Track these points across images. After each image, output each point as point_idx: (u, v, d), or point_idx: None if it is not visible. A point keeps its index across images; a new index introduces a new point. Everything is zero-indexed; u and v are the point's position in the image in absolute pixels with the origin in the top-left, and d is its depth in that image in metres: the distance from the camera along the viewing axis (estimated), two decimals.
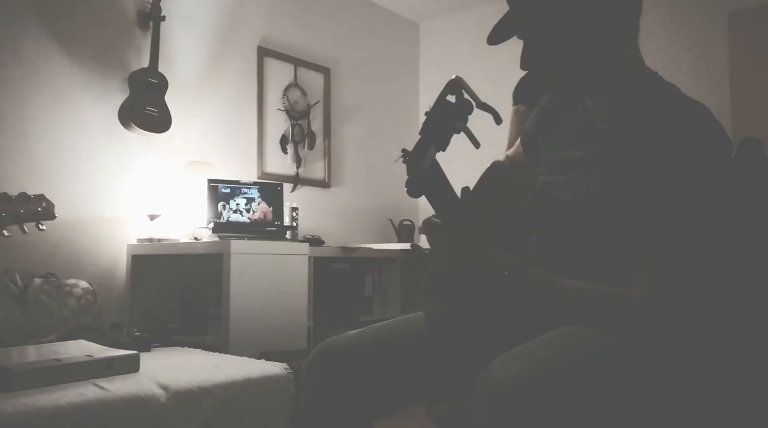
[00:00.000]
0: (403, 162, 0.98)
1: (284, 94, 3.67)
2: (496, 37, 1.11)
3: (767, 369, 1.05)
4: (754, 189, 1.11)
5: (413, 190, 0.98)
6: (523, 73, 1.24)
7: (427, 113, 0.97)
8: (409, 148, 0.97)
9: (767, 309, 1.06)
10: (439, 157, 0.98)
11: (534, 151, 1.27)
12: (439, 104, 0.97)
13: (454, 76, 0.98)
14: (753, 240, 1.08)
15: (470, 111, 0.97)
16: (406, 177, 0.96)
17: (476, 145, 0.98)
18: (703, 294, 1.00)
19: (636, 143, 1.02)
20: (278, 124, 3.65)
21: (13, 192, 1.54)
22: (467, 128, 0.97)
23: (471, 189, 1.06)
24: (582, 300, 1.02)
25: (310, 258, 2.89)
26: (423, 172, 0.96)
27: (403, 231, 4.11)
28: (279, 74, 3.67)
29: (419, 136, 0.97)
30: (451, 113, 0.96)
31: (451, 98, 0.97)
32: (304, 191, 3.75)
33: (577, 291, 1.01)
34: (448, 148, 0.99)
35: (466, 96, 0.97)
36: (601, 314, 1.00)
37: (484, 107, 0.98)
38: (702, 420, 1.02)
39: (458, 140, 1.00)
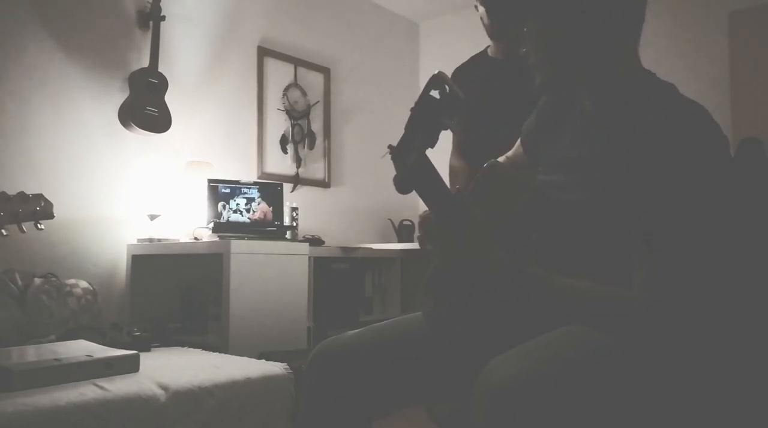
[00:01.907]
0: (391, 158, 0.98)
1: (284, 94, 3.67)
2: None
3: (767, 369, 1.05)
4: (754, 189, 1.11)
5: (400, 186, 0.98)
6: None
7: (412, 109, 0.97)
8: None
9: (767, 309, 1.06)
10: (431, 153, 0.98)
11: (534, 150, 1.27)
12: (422, 100, 0.97)
13: (437, 71, 0.98)
14: (753, 239, 1.08)
15: (456, 106, 0.96)
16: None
17: None
18: (703, 293, 1.00)
19: (634, 143, 1.02)
20: (278, 124, 3.65)
21: (12, 191, 1.54)
22: (454, 125, 0.97)
23: (464, 190, 1.06)
24: (582, 299, 1.01)
25: (310, 258, 2.89)
26: (409, 167, 0.96)
27: (403, 231, 4.11)
28: (279, 74, 3.67)
29: (404, 132, 0.98)
30: (436, 109, 0.96)
31: (435, 94, 0.97)
32: (304, 191, 3.75)
33: (577, 290, 1.01)
34: (441, 145, 0.98)
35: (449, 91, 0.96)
36: (601, 313, 1.00)
37: (462, 101, 0.97)
38: (702, 420, 1.02)
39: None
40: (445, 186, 1.00)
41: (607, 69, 1.08)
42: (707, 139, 0.98)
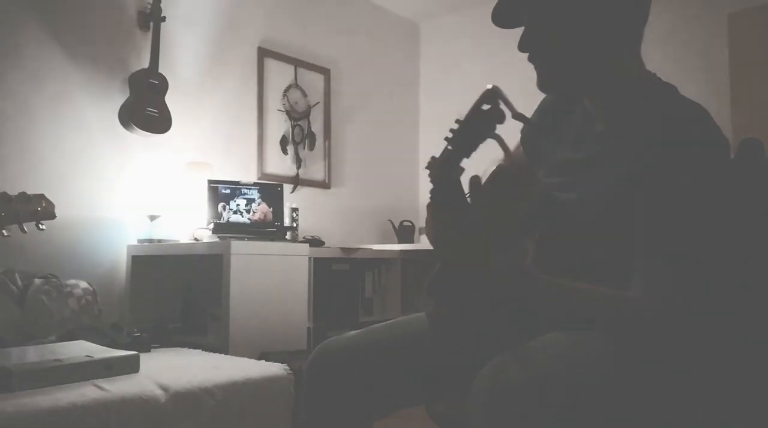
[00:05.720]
0: (427, 168, 0.99)
1: (284, 95, 3.67)
2: (503, 19, 1.11)
3: (767, 372, 1.05)
4: (754, 189, 1.11)
5: (438, 198, 0.99)
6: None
7: (458, 121, 0.96)
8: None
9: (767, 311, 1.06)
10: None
11: (534, 151, 1.27)
12: (473, 114, 0.95)
13: (490, 86, 0.95)
14: (754, 241, 1.08)
15: (502, 121, 0.95)
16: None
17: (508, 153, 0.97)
18: (705, 296, 1.00)
19: (635, 145, 1.01)
20: (278, 124, 3.65)
21: (13, 192, 1.54)
22: (498, 136, 0.95)
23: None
24: (584, 301, 1.01)
25: (310, 258, 2.89)
26: (452, 181, 0.96)
27: (403, 231, 4.11)
28: (279, 75, 3.67)
29: (448, 145, 0.97)
30: (483, 122, 0.95)
31: (486, 108, 0.95)
32: (304, 192, 3.75)
33: (579, 292, 1.01)
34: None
35: (502, 106, 0.95)
36: (603, 315, 1.00)
37: (519, 117, 0.96)
38: (702, 423, 1.02)
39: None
40: (465, 196, 1.01)
41: (609, 70, 1.08)
42: (708, 142, 0.98)
